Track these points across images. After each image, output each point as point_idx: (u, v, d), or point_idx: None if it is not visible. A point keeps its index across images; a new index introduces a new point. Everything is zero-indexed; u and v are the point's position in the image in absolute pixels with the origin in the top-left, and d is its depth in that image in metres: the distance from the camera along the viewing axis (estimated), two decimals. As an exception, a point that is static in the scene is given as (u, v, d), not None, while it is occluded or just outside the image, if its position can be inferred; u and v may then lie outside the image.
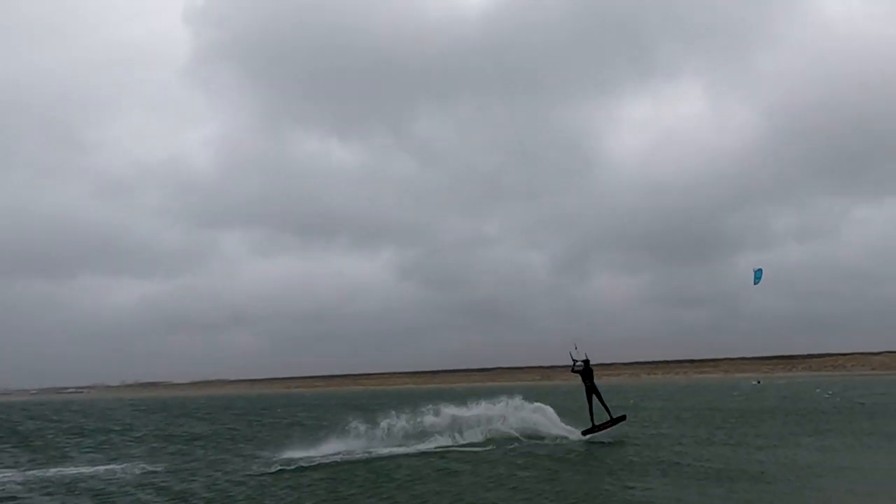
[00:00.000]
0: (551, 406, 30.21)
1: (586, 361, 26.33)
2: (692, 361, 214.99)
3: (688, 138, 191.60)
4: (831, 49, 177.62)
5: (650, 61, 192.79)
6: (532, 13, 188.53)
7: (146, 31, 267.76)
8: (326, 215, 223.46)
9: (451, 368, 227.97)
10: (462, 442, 26.35)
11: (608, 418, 26.90)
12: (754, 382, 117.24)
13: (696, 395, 74.71)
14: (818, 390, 75.02)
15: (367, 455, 24.03)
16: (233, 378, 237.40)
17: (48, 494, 18.43)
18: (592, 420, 26.83)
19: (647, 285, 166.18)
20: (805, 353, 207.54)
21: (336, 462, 22.72)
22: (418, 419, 27.75)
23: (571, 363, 26.52)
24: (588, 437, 26.55)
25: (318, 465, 22.16)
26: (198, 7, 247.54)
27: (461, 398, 32.76)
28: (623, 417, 28.48)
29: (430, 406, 28.78)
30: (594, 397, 26.48)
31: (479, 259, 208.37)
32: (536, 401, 30.72)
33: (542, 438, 27.26)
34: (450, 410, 28.35)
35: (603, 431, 26.85)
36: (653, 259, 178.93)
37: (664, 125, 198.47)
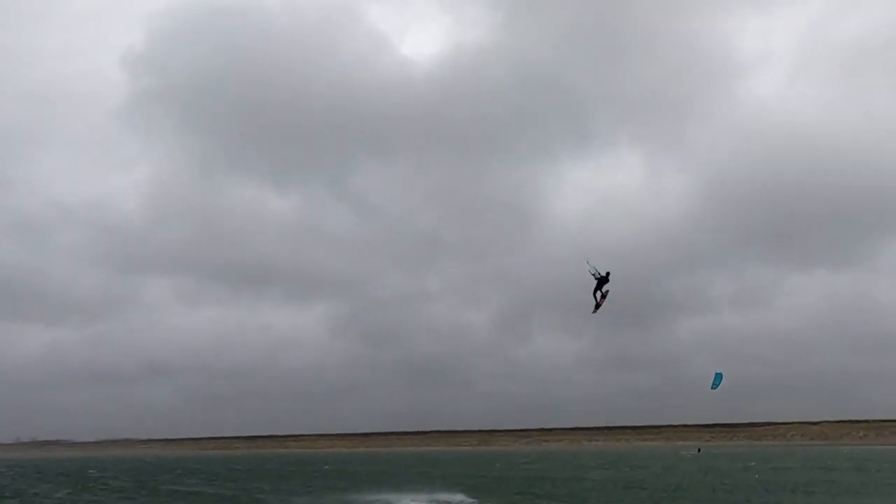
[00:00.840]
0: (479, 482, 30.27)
1: (608, 274, 30.28)
2: (634, 428, 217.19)
3: (626, 204, 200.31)
4: (761, 126, 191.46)
5: (588, 130, 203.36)
6: (476, 79, 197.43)
7: (80, 71, 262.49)
8: (259, 265, 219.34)
9: (385, 431, 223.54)
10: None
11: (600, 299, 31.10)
12: (690, 453, 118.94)
13: (620, 464, 75.17)
14: (749, 464, 76.88)
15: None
16: (144, 437, 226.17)
17: None
18: (597, 301, 30.49)
19: (589, 347, 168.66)
20: (746, 421, 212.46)
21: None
22: None
23: (592, 275, 30.11)
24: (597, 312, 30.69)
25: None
26: (137, 52, 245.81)
27: (391, 464, 32.33)
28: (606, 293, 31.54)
29: None
30: (600, 291, 30.73)
31: (416, 316, 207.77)
32: (471, 471, 30.92)
33: None
34: None
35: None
36: (594, 321, 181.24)
37: (603, 190, 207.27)
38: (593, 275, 29.25)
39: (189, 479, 58.17)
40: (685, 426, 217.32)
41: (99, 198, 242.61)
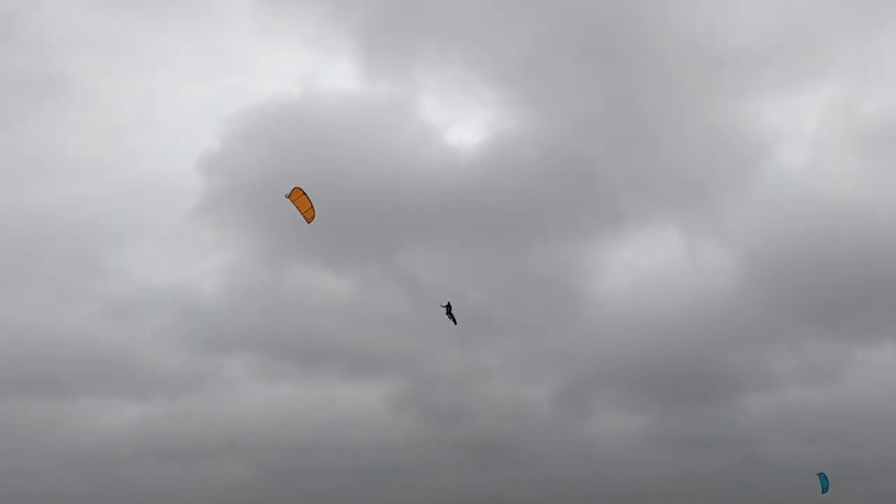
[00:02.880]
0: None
1: (448, 304, 43.25)
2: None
3: (670, 280, 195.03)
4: (795, 201, 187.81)
5: (620, 211, 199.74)
6: (514, 165, 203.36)
7: (166, 172, 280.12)
8: (322, 345, 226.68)
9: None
10: None
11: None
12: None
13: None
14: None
15: None
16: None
17: None
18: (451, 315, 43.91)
19: (654, 425, 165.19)
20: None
21: None
22: None
23: (445, 309, 42.98)
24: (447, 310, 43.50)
25: None
26: (212, 155, 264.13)
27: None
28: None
29: None
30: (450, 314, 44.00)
31: (475, 392, 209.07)
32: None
33: None
34: None
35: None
36: (654, 397, 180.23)
37: (645, 268, 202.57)
38: (444, 307, 41.91)
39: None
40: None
41: (181, 283, 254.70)
